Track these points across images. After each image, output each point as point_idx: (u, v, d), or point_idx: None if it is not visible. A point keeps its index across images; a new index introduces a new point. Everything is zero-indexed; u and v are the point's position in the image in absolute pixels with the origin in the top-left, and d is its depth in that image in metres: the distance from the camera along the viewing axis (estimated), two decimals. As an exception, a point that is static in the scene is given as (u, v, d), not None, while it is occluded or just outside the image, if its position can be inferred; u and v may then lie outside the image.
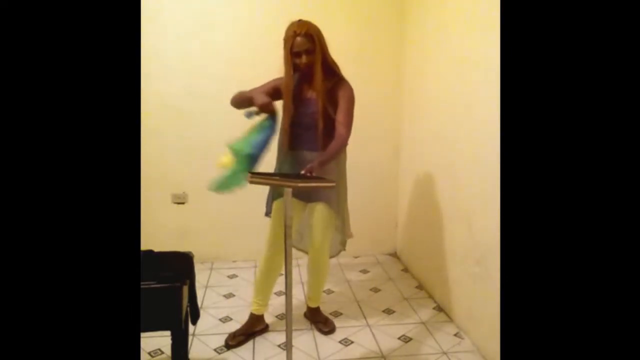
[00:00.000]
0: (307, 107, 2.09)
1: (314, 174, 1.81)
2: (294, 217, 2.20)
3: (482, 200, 2.13)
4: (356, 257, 3.40)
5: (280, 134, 2.14)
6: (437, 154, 2.69)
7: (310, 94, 2.10)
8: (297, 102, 2.09)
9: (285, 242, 1.70)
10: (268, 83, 2.16)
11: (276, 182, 1.56)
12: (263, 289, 2.31)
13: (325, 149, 1.98)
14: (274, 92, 2.11)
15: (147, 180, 2.88)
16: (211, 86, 3.03)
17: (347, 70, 3.17)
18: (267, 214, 2.30)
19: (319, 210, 2.20)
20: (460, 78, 2.35)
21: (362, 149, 3.29)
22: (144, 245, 1.90)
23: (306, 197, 2.19)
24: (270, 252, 2.24)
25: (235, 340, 2.25)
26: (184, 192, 3.16)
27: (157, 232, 3.03)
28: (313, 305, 2.46)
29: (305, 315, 2.52)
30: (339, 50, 3.16)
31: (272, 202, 2.25)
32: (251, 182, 1.61)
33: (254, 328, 2.32)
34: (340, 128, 2.03)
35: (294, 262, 2.13)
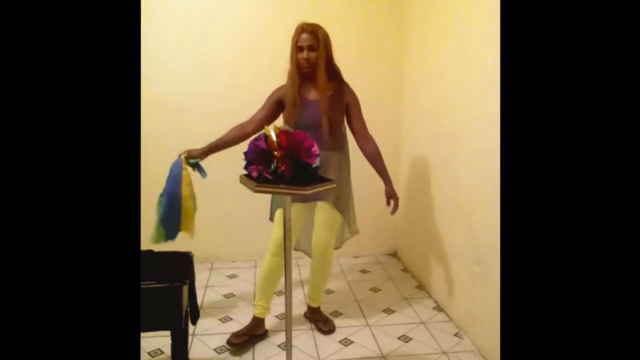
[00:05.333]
0: (312, 108, 2.11)
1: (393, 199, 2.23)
2: (300, 219, 2.24)
3: (482, 200, 2.13)
4: (356, 257, 3.40)
5: None
6: (437, 154, 2.69)
7: (314, 96, 2.13)
8: (301, 103, 2.12)
9: (285, 243, 1.70)
10: (269, 99, 2.19)
11: (283, 190, 1.54)
12: (267, 292, 2.29)
13: (331, 148, 2.13)
14: (277, 105, 2.17)
15: (147, 180, 2.87)
16: (211, 86, 3.03)
17: (347, 70, 3.17)
18: (272, 218, 2.30)
19: (323, 210, 2.23)
20: (461, 78, 2.35)
21: (362, 149, 3.30)
22: (144, 245, 1.90)
23: (306, 197, 2.19)
24: (274, 254, 2.23)
25: (239, 339, 2.23)
26: (184, 192, 3.16)
27: (157, 232, 3.03)
28: (314, 305, 2.46)
29: (306, 315, 2.52)
30: (339, 51, 3.17)
31: (275, 207, 2.26)
32: (257, 192, 1.60)
33: (257, 331, 2.30)
34: (367, 136, 2.22)
35: (293, 262, 2.13)
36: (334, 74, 2.15)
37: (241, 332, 2.28)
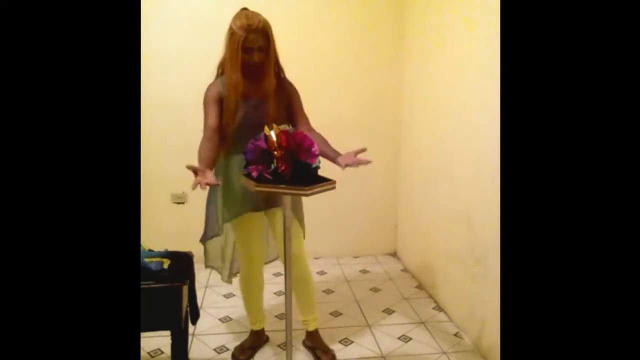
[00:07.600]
0: (255, 108, 1.89)
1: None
2: (259, 230, 2.08)
3: (482, 200, 2.13)
4: (356, 257, 3.40)
5: (225, 137, 1.91)
6: (437, 154, 2.69)
7: (256, 93, 1.89)
8: (242, 102, 1.88)
9: (285, 243, 1.69)
10: (210, 103, 1.91)
11: (283, 190, 1.52)
12: (257, 307, 2.21)
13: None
14: (220, 105, 1.90)
15: (147, 180, 2.88)
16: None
17: (347, 70, 3.20)
18: (214, 235, 2.04)
19: (281, 218, 1.97)
20: (460, 79, 2.35)
21: (362, 149, 3.30)
22: (144, 245, 1.91)
23: (266, 204, 1.99)
24: (250, 269, 2.10)
25: (245, 354, 2.17)
26: (184, 192, 3.16)
27: (157, 232, 3.03)
28: (312, 328, 2.20)
29: (304, 343, 2.24)
30: (339, 51, 3.19)
31: (225, 220, 2.00)
32: (257, 191, 1.58)
33: (259, 341, 2.26)
34: (311, 129, 1.97)
35: (280, 266, 2.03)
36: (277, 70, 1.93)
37: (246, 346, 2.21)
